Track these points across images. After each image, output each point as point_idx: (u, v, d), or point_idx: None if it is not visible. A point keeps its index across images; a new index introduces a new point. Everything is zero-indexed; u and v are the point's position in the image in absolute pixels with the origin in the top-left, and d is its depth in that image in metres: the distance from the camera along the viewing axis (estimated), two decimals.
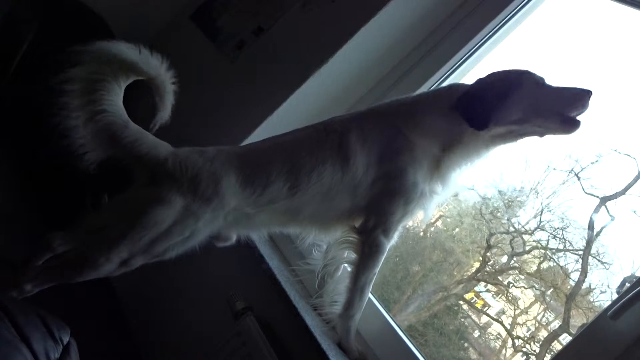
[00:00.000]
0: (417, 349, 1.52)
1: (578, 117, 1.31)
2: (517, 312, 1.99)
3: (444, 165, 1.38)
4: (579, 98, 1.30)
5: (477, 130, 1.32)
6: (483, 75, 1.39)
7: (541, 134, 1.37)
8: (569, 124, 1.32)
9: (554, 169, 1.93)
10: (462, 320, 2.11)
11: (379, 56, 1.88)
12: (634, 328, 1.21)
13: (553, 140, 1.71)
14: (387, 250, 1.40)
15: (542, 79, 1.34)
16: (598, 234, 1.78)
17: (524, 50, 1.88)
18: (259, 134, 1.82)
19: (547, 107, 1.31)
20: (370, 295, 1.51)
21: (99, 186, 1.42)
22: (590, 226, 1.79)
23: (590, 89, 1.31)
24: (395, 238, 1.41)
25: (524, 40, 1.86)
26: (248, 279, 1.66)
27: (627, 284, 1.42)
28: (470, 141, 1.36)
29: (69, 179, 1.62)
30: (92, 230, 1.31)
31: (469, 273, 2.10)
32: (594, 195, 1.80)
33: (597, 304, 1.73)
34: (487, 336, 2.08)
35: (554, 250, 1.94)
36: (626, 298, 1.22)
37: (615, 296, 1.41)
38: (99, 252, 1.26)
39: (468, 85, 1.40)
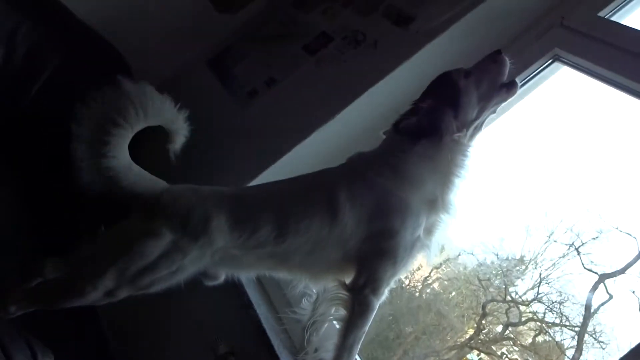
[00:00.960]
0: None
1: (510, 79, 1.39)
2: None
3: (441, 198, 1.38)
4: (498, 64, 1.39)
5: (436, 138, 1.35)
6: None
7: (495, 111, 1.43)
8: (511, 87, 1.39)
9: (555, 241, 1.92)
10: None
11: (385, 115, 1.92)
12: None
13: (556, 212, 1.71)
14: (376, 308, 1.37)
15: (463, 70, 1.40)
16: (595, 311, 1.75)
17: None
18: (262, 179, 1.84)
19: (488, 89, 1.38)
20: (357, 356, 1.47)
21: (96, 217, 1.44)
22: (588, 303, 1.76)
23: (498, 48, 1.42)
24: (385, 294, 1.38)
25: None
26: (234, 323, 1.64)
27: None
28: (451, 157, 1.37)
29: (68, 207, 1.64)
30: (83, 258, 1.33)
31: (463, 339, 2.05)
32: (593, 272, 1.78)
33: None
34: None
35: (550, 324, 1.91)
36: None
37: None
38: (86, 279, 1.26)
39: None
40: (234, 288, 1.60)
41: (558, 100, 1.86)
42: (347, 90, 1.89)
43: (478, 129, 1.43)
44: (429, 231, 1.39)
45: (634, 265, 1.69)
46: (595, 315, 1.74)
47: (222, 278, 1.46)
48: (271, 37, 2.36)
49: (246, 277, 1.50)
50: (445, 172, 1.37)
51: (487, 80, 1.38)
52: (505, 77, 1.40)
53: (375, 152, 1.47)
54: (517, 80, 1.41)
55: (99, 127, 1.28)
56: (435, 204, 1.37)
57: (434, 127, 1.35)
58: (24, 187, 1.61)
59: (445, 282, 2.26)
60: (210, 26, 2.45)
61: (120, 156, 1.32)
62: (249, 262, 1.39)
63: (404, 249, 1.35)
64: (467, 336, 2.04)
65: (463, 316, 2.11)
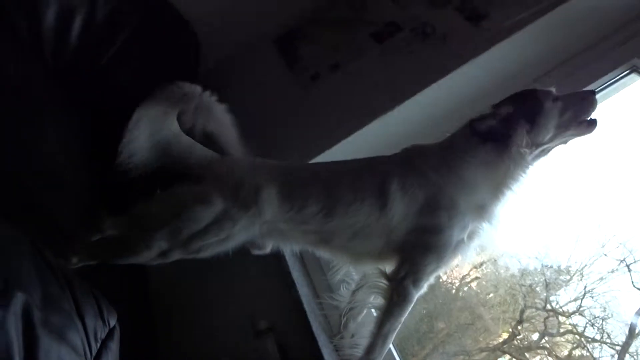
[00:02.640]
0: None
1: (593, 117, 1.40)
2: None
3: (488, 205, 1.38)
4: (588, 102, 1.39)
5: (503, 146, 1.35)
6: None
7: (566, 142, 1.43)
8: (591, 125, 1.39)
9: (605, 254, 1.88)
10: None
11: (445, 112, 1.90)
12: None
13: (610, 226, 1.67)
14: (414, 300, 1.39)
15: (552, 94, 1.40)
16: (639, 334, 1.71)
17: None
18: (318, 160, 1.87)
19: (570, 120, 1.38)
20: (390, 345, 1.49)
21: (153, 182, 1.50)
22: (633, 323, 1.72)
23: (593, 89, 1.45)
24: (425, 288, 1.40)
25: None
26: (276, 301, 1.67)
27: None
28: (510, 169, 1.36)
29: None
30: (139, 218, 1.40)
31: (495, 342, 2.03)
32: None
33: None
34: None
35: (589, 339, 1.87)
36: None
37: None
38: (140, 238, 1.34)
39: None
40: (279, 267, 1.65)
41: (631, 112, 1.81)
42: (410, 82, 1.88)
43: (545, 153, 1.42)
44: (471, 237, 1.40)
45: None
46: (639, 337, 1.71)
47: (268, 249, 1.51)
48: (340, 21, 2.34)
49: (290, 251, 1.52)
50: (499, 182, 1.38)
51: (572, 111, 1.38)
52: (588, 114, 1.39)
53: (435, 146, 1.47)
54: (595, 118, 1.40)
55: (154, 119, 1.38)
56: (483, 210, 1.38)
57: (506, 134, 1.34)
58: (93, 142, 1.68)
59: (484, 283, 2.24)
60: (281, 4, 2.45)
61: (170, 128, 1.41)
62: (295, 237, 1.43)
63: (448, 246, 1.36)
64: (501, 340, 2.02)
65: (499, 319, 2.09)
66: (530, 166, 1.39)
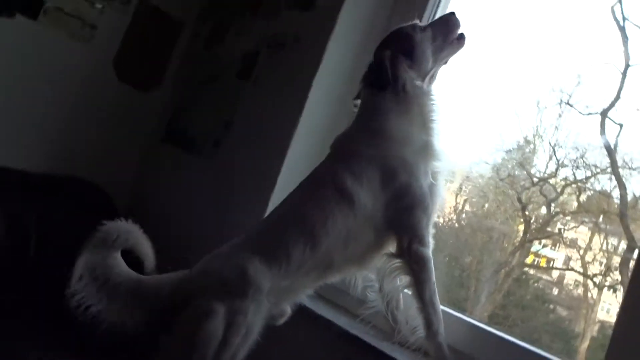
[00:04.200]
0: (508, 335, 1.51)
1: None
2: (582, 252, 1.96)
3: (429, 145, 1.46)
4: (452, 22, 1.53)
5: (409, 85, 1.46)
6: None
7: (446, 62, 1.57)
8: (461, 41, 1.54)
9: (545, 107, 1.96)
10: (536, 285, 2.07)
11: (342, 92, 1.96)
12: None
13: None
14: (431, 257, 1.43)
15: (418, 26, 1.54)
16: (616, 145, 1.78)
17: None
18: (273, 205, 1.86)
19: (442, 43, 1.51)
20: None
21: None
22: (605, 143, 1.79)
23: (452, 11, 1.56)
24: (431, 241, 1.44)
25: None
26: (326, 346, 1.64)
27: None
28: (419, 104, 1.48)
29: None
30: None
31: (518, 239, 2.07)
32: (593, 114, 1.82)
33: None
34: (566, 289, 2.04)
35: (584, 180, 1.93)
36: None
37: None
38: None
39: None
40: (306, 316, 1.61)
41: None
42: (297, 88, 1.93)
43: (433, 78, 1.55)
44: (434, 176, 1.46)
45: (624, 88, 1.73)
46: (617, 148, 1.77)
47: (288, 311, 1.49)
48: (205, 84, 2.38)
49: (306, 297, 1.51)
50: (421, 119, 1.47)
51: (441, 35, 1.51)
52: (456, 32, 1.53)
53: (353, 126, 1.55)
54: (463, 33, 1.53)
55: (96, 273, 1.34)
56: (427, 149, 1.46)
57: (395, 74, 1.44)
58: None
59: (474, 200, 2.28)
60: (145, 107, 2.48)
61: (126, 278, 1.37)
62: (302, 284, 1.43)
63: (424, 195, 1.42)
64: (520, 234, 2.07)
65: (507, 219, 2.14)
66: (431, 93, 1.51)
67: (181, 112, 2.50)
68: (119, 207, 2.34)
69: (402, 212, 1.42)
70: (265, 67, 2.15)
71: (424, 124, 1.47)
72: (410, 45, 1.48)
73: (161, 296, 1.35)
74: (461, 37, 1.53)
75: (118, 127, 2.58)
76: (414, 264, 1.41)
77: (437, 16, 1.91)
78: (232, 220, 2.01)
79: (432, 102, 1.49)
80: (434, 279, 1.43)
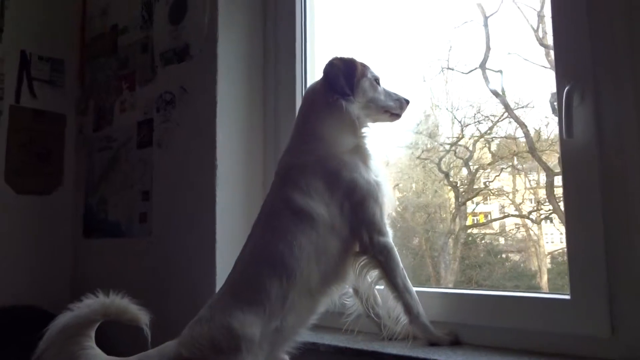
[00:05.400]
0: (474, 290, 1.62)
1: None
2: (511, 196, 2.05)
3: (361, 147, 1.54)
4: (400, 103, 1.66)
5: (346, 99, 1.54)
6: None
7: (374, 121, 1.66)
8: (395, 117, 1.67)
9: (431, 79, 2.05)
10: (483, 242, 2.14)
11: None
12: (589, 131, 1.32)
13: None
14: (394, 245, 1.48)
15: (377, 77, 1.64)
16: (503, 90, 1.89)
17: None
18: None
19: (381, 103, 1.62)
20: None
21: None
22: (493, 90, 1.90)
23: (409, 99, 1.68)
24: (390, 231, 1.50)
25: None
26: None
27: (554, 100, 1.55)
28: (354, 116, 1.56)
29: None
30: None
31: (453, 206, 2.14)
32: (473, 70, 1.93)
33: (552, 136, 1.83)
34: (510, 235, 2.12)
35: (488, 131, 2.03)
36: (564, 111, 1.32)
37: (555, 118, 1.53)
38: None
39: (320, 79, 1.63)
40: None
41: None
42: (204, 136, 1.93)
43: (368, 111, 1.62)
44: (375, 172, 1.54)
45: (490, 37, 1.87)
46: (505, 92, 1.89)
47: (286, 357, 1.46)
48: (110, 165, 2.32)
49: (301, 337, 1.49)
50: (352, 129, 1.55)
51: (388, 97, 1.64)
52: (398, 111, 1.66)
53: (289, 143, 1.60)
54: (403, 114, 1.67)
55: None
56: (359, 151, 1.54)
57: (348, 88, 1.55)
58: None
59: (401, 185, 2.35)
60: (55, 207, 2.37)
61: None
62: (293, 323, 1.39)
63: (371, 186, 1.49)
64: (453, 200, 2.14)
65: (436, 191, 2.20)
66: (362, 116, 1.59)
67: (94, 202, 2.42)
68: None
69: (356, 209, 1.45)
70: (164, 129, 2.13)
71: (354, 131, 1.55)
72: (351, 73, 1.57)
73: None
74: (396, 116, 1.66)
75: (33, 238, 2.45)
76: (379, 255, 1.45)
77: (306, 37, 2.06)
78: (184, 291, 1.95)
79: (363, 123, 1.58)
80: (401, 265, 1.48)
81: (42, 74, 2.57)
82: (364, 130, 1.58)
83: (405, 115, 1.69)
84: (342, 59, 1.60)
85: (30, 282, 2.38)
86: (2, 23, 2.46)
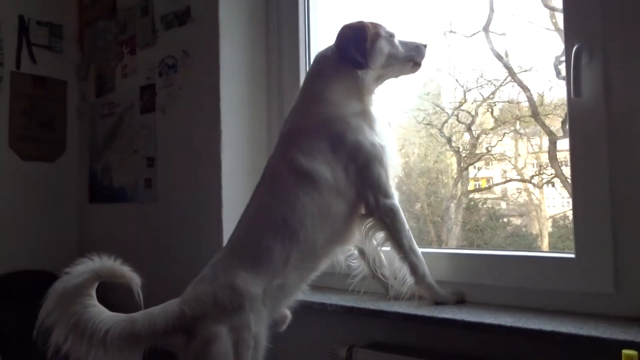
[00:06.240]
0: (479, 250, 1.64)
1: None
2: (513, 161, 2.05)
3: (366, 112, 1.54)
4: (419, 50, 1.63)
5: (361, 69, 1.52)
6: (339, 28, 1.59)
7: (397, 76, 1.66)
8: (417, 67, 1.65)
9: (433, 43, 2.04)
10: (485, 206, 2.16)
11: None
12: (597, 90, 1.32)
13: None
14: (399, 207, 1.50)
15: (392, 33, 1.61)
16: (507, 54, 1.88)
17: None
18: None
19: (401, 56, 1.60)
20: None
21: None
22: (496, 54, 1.89)
23: (426, 43, 1.66)
24: (396, 193, 1.51)
25: None
26: (328, 326, 1.68)
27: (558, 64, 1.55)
28: (364, 84, 1.55)
29: None
30: None
31: (455, 171, 2.14)
32: (476, 33, 1.91)
33: (555, 100, 1.83)
34: (512, 199, 2.13)
35: (491, 96, 2.02)
36: (572, 70, 1.32)
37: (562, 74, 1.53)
38: None
39: (331, 45, 1.60)
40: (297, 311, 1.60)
41: None
42: (207, 100, 1.93)
43: (381, 80, 1.63)
44: (379, 135, 1.54)
45: (494, 2, 1.85)
46: (508, 58, 1.87)
47: (289, 314, 1.50)
48: (111, 132, 2.32)
49: (302, 293, 1.51)
50: (358, 93, 1.55)
51: (406, 50, 1.61)
52: (418, 60, 1.63)
53: (293, 107, 1.59)
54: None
55: (69, 324, 1.26)
56: (364, 115, 1.53)
57: (363, 57, 1.52)
58: None
59: (403, 150, 2.34)
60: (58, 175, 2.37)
61: (115, 321, 1.29)
62: (294, 280, 1.42)
63: (375, 149, 1.49)
64: (455, 165, 2.15)
65: (438, 156, 2.20)
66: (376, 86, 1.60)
67: (98, 169, 2.42)
68: None
69: (362, 171, 1.46)
70: (167, 94, 2.12)
71: (361, 98, 1.55)
72: (372, 38, 1.54)
73: (157, 332, 1.29)
74: (418, 65, 1.64)
75: (41, 204, 2.47)
76: (385, 217, 1.46)
77: (310, 8, 2.03)
78: (191, 254, 1.97)
79: (374, 90, 1.59)
80: (407, 226, 1.50)
81: (41, 39, 2.55)
82: (371, 97, 1.58)
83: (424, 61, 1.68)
84: (351, 27, 1.57)
85: (39, 247, 2.41)
86: None
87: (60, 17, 2.63)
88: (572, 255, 1.39)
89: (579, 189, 1.38)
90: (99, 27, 2.48)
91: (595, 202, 1.33)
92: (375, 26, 1.59)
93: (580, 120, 1.37)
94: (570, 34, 1.38)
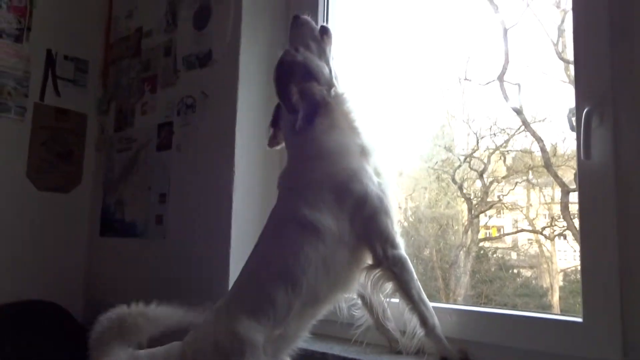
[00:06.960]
0: (487, 308, 1.59)
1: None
2: (525, 211, 2.04)
3: (364, 146, 1.53)
4: (305, 26, 1.63)
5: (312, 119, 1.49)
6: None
7: (333, 57, 1.65)
8: (326, 31, 1.65)
9: (447, 89, 2.06)
10: (495, 256, 2.13)
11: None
12: (607, 154, 1.31)
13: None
14: (407, 257, 1.47)
15: (289, 49, 1.61)
16: (520, 104, 1.88)
17: None
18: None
19: (316, 45, 1.62)
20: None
21: None
22: (515, 108, 1.90)
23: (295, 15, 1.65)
24: (402, 242, 1.49)
25: None
26: None
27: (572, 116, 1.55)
28: (341, 111, 1.55)
29: None
30: None
31: (465, 218, 2.12)
32: (491, 82, 1.93)
33: (569, 152, 1.82)
34: (523, 250, 2.10)
35: (504, 144, 2.02)
36: (582, 133, 1.32)
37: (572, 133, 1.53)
38: None
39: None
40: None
41: None
42: (222, 140, 1.96)
43: (336, 79, 1.61)
44: (378, 174, 1.52)
45: (509, 50, 1.87)
46: (522, 106, 1.89)
47: None
48: (129, 166, 2.35)
49: (302, 340, 1.49)
50: (348, 125, 1.53)
51: (309, 40, 1.58)
52: (317, 30, 1.62)
53: (291, 163, 1.59)
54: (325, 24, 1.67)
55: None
56: (364, 151, 1.52)
57: (315, 103, 1.49)
58: None
59: (414, 194, 2.34)
60: (73, 207, 2.41)
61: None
62: (295, 328, 1.40)
63: (381, 197, 1.47)
64: (466, 212, 2.14)
65: (449, 203, 2.19)
66: (345, 96, 1.57)
67: (111, 202, 2.45)
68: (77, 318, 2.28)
69: (368, 222, 1.45)
70: (184, 132, 2.16)
71: (352, 128, 1.53)
72: (302, 68, 1.54)
73: None
74: (324, 30, 1.63)
75: (51, 234, 2.50)
76: (394, 267, 1.44)
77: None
78: (196, 293, 1.97)
79: (350, 105, 1.56)
80: (415, 276, 1.47)
81: (67, 73, 2.63)
82: (358, 124, 1.55)
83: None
84: (281, 79, 1.57)
85: (45, 277, 2.42)
86: (30, 22, 2.52)
87: (86, 53, 2.71)
88: (580, 320, 1.35)
89: (587, 253, 1.35)
90: (123, 65, 2.56)
91: (604, 266, 1.30)
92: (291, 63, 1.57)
93: (589, 182, 1.35)
94: (581, 95, 1.37)
